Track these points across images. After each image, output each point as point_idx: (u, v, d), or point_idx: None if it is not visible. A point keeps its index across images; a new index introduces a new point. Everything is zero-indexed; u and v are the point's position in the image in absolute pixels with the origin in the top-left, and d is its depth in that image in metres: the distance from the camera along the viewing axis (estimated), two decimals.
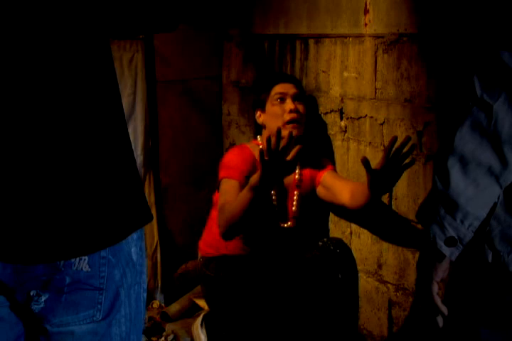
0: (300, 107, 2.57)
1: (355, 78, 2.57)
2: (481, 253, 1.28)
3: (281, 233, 2.64)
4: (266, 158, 2.17)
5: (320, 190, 2.63)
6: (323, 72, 2.74)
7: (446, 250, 1.30)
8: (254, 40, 3.18)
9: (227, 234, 2.44)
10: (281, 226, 2.63)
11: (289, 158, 2.19)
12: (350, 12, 2.56)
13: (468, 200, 1.27)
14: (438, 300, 1.37)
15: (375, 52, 2.46)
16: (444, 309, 1.37)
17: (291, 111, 2.54)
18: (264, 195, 2.35)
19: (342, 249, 2.52)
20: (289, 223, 2.64)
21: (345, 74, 2.62)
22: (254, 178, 2.27)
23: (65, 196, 1.17)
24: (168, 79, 3.26)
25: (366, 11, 2.48)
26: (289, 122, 2.53)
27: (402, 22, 2.33)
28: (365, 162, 2.14)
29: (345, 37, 2.60)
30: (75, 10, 1.16)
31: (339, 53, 2.64)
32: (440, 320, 1.39)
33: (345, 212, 2.65)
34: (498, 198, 1.26)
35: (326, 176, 2.61)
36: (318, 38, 2.75)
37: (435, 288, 1.37)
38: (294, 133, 2.48)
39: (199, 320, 2.69)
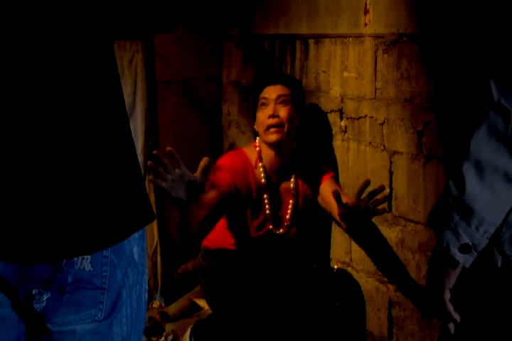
0: (283, 110, 2.53)
1: (355, 78, 2.57)
2: (490, 258, 1.26)
3: (274, 239, 2.64)
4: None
5: (320, 201, 2.63)
6: (323, 72, 2.74)
7: (460, 257, 1.28)
8: (254, 40, 3.18)
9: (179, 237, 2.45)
10: (275, 233, 2.63)
11: (197, 174, 2.26)
12: (350, 12, 2.57)
13: (483, 206, 1.24)
14: (450, 308, 1.35)
15: (375, 52, 2.46)
16: (456, 316, 1.36)
17: (269, 117, 2.53)
18: (186, 211, 2.32)
19: (346, 281, 2.56)
20: (281, 230, 2.64)
21: (345, 74, 2.62)
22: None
23: (68, 195, 1.18)
24: (168, 79, 3.26)
25: (366, 11, 2.48)
26: (268, 128, 2.53)
27: (401, 22, 2.33)
28: (336, 195, 2.17)
29: (345, 37, 2.60)
30: (77, 11, 1.16)
31: (339, 53, 2.65)
32: (452, 327, 1.38)
33: None
34: None
35: (324, 187, 2.60)
36: (318, 38, 2.75)
37: (447, 295, 1.35)
38: (275, 138, 2.51)
39: (187, 333, 2.69)
